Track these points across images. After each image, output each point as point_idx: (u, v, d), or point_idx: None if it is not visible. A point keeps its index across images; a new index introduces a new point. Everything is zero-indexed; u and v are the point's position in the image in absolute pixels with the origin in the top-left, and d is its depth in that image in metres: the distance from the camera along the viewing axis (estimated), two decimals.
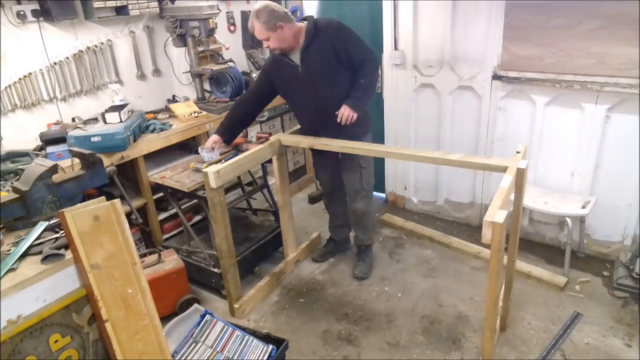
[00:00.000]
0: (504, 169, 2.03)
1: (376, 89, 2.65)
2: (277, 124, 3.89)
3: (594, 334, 2.39)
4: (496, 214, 1.68)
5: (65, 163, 2.38)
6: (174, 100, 3.51)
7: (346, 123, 2.45)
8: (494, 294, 1.85)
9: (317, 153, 2.82)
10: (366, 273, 2.97)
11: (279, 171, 2.88)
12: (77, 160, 2.19)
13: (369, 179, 2.83)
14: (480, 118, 3.16)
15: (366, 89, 2.51)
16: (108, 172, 2.08)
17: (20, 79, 2.72)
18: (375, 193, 4.08)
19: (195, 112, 3.21)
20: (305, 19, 2.55)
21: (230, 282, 2.60)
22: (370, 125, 2.76)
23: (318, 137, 2.65)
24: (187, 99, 3.49)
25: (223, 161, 2.76)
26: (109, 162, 2.58)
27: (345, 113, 2.44)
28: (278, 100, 3.77)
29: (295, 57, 2.53)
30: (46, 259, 1.41)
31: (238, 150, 2.90)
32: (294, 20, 2.46)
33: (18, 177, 2.30)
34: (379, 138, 3.70)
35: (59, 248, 1.45)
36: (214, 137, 2.70)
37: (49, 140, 2.69)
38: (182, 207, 2.95)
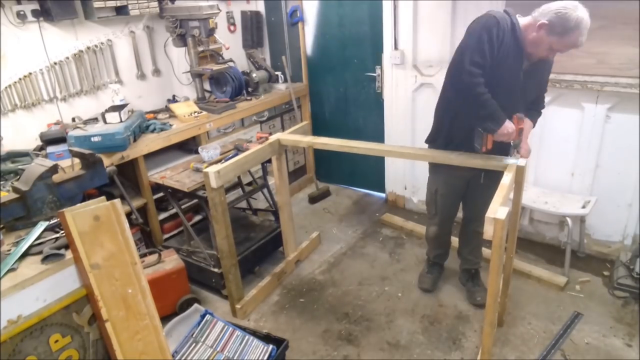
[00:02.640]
0: (504, 168, 2.03)
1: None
2: (277, 123, 3.89)
3: (594, 334, 2.39)
4: (497, 211, 1.69)
5: (65, 163, 2.38)
6: (174, 100, 3.51)
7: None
8: (494, 290, 1.86)
9: (444, 171, 2.44)
10: (485, 297, 2.56)
11: (278, 171, 2.88)
12: (77, 160, 2.20)
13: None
14: None
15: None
16: (108, 172, 2.08)
17: (20, 79, 2.72)
18: (375, 193, 4.10)
19: (195, 112, 3.21)
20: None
21: (231, 283, 2.60)
22: (432, 135, 2.50)
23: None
24: (187, 99, 3.49)
25: (223, 161, 2.77)
26: (109, 162, 2.58)
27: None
28: (278, 100, 3.79)
29: (524, 58, 2.13)
30: (46, 259, 1.41)
31: (238, 150, 2.90)
32: None
33: (18, 177, 2.30)
34: (379, 137, 3.71)
35: (59, 248, 1.45)
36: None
37: (49, 140, 2.69)
38: (182, 207, 2.95)
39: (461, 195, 2.58)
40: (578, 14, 1.98)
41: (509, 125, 2.08)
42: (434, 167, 2.55)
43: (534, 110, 2.33)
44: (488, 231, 1.71)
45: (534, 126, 2.34)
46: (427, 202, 2.71)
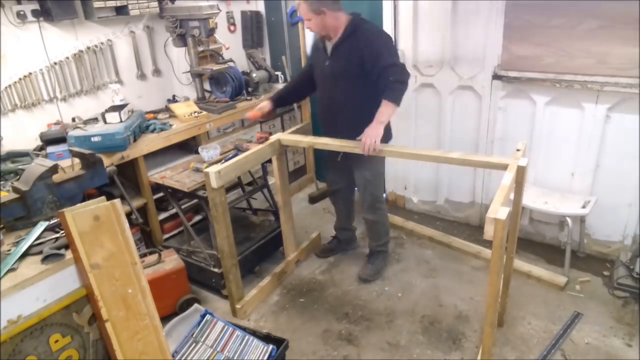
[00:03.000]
0: (504, 167, 2.03)
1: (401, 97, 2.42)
2: (277, 123, 3.89)
3: (594, 334, 2.39)
4: (498, 211, 1.69)
5: (65, 163, 2.38)
6: (174, 100, 3.51)
7: (368, 152, 2.35)
8: (495, 290, 1.86)
9: (321, 128, 2.83)
10: (371, 276, 2.93)
11: (279, 171, 2.88)
12: (77, 160, 2.20)
13: (376, 190, 2.80)
14: (481, 118, 3.16)
15: (396, 87, 2.37)
16: (108, 172, 2.08)
17: (20, 79, 2.72)
18: None
19: (195, 112, 3.21)
20: (352, 14, 2.52)
21: (232, 283, 2.60)
22: (390, 136, 2.73)
23: (328, 133, 2.67)
24: (187, 99, 3.49)
25: (223, 161, 2.77)
26: (109, 162, 2.58)
27: (368, 139, 2.33)
28: None
29: (329, 48, 2.55)
30: (46, 259, 1.41)
31: (238, 150, 2.90)
32: (341, 10, 2.45)
33: (18, 177, 2.30)
34: None
35: (59, 248, 1.45)
36: (264, 102, 2.80)
37: (49, 140, 2.69)
38: (182, 207, 2.95)
39: (340, 171, 2.89)
40: None
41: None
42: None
43: (382, 91, 2.38)
44: (488, 231, 1.71)
45: (393, 101, 2.35)
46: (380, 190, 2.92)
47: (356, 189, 2.88)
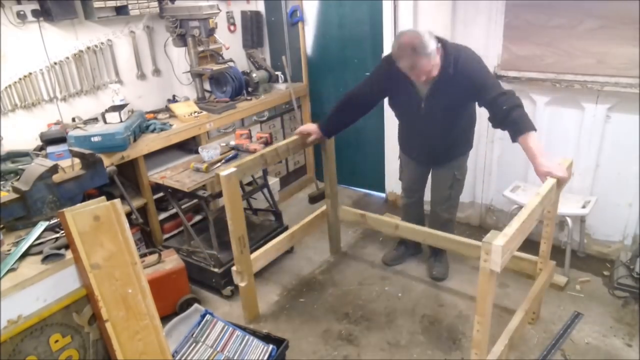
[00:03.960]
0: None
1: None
2: (277, 123, 3.89)
3: (594, 334, 2.39)
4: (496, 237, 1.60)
5: (65, 163, 2.38)
6: (174, 100, 3.51)
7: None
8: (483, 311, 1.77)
9: (407, 152, 2.77)
10: (444, 274, 2.88)
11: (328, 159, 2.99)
12: (77, 160, 2.20)
13: (461, 190, 2.78)
14: (481, 118, 3.15)
15: (517, 115, 2.11)
16: (108, 172, 2.08)
17: (20, 79, 2.72)
18: (375, 192, 4.10)
19: (195, 112, 3.21)
20: (441, 41, 2.21)
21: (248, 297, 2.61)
22: (471, 143, 2.70)
23: (418, 159, 2.72)
24: (187, 99, 3.49)
25: (223, 161, 2.77)
26: (109, 162, 2.58)
27: (554, 173, 2.02)
28: (278, 100, 3.79)
29: (421, 87, 2.32)
30: (46, 259, 1.41)
31: (238, 150, 2.90)
32: (438, 53, 2.17)
33: (18, 177, 2.30)
34: (379, 138, 3.71)
35: (59, 248, 1.45)
36: (312, 127, 2.62)
37: (49, 140, 2.69)
38: (182, 207, 2.95)
39: (420, 173, 2.82)
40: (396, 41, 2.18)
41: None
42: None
43: (507, 124, 2.17)
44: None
45: (529, 130, 2.08)
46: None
47: (433, 187, 2.78)
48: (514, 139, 2.13)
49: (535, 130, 2.08)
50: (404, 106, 2.52)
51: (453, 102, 2.32)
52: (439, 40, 2.19)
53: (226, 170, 2.26)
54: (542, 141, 2.15)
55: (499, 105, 2.14)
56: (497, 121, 2.19)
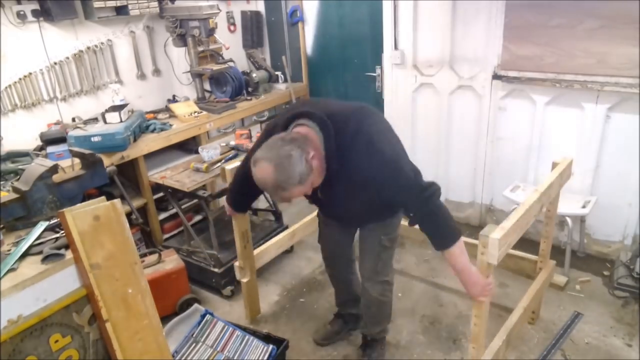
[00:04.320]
0: None
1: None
2: None
3: (594, 334, 2.39)
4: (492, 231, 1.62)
5: (65, 163, 2.38)
6: (174, 100, 3.51)
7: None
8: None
9: (322, 210, 2.20)
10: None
11: None
12: (77, 160, 2.20)
13: (390, 259, 2.16)
14: (481, 118, 3.15)
15: (434, 225, 1.76)
16: (108, 172, 2.08)
17: (20, 79, 2.72)
18: None
19: (195, 112, 3.21)
20: (324, 128, 1.67)
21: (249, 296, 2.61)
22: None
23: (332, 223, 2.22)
24: (187, 99, 3.49)
25: (223, 161, 2.77)
26: (109, 162, 2.58)
27: (479, 293, 1.76)
28: (278, 100, 3.79)
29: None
30: (46, 259, 1.41)
31: (239, 150, 2.90)
32: (320, 145, 1.66)
33: (18, 177, 2.30)
34: None
35: (59, 248, 1.45)
36: (227, 206, 2.29)
37: (49, 140, 2.69)
38: (182, 207, 2.95)
39: (339, 235, 2.27)
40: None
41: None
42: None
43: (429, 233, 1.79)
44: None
45: (451, 244, 1.75)
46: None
47: (358, 256, 2.20)
48: (437, 249, 1.78)
49: (455, 244, 1.71)
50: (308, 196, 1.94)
51: (350, 192, 1.80)
52: (323, 126, 1.66)
53: (232, 164, 2.30)
54: (467, 261, 1.75)
55: (408, 211, 1.78)
56: (412, 224, 1.77)
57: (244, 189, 2.13)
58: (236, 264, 2.53)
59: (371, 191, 1.75)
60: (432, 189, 1.73)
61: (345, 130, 1.66)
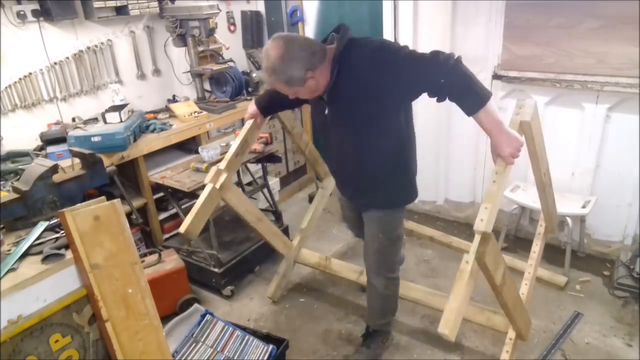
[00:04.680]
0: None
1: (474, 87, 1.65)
2: (277, 123, 3.89)
3: (594, 334, 2.39)
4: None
5: (65, 163, 2.38)
6: (174, 100, 3.51)
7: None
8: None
9: (335, 181, 2.24)
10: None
11: None
12: (77, 160, 2.20)
13: (393, 255, 2.14)
14: None
15: (459, 87, 1.66)
16: (108, 172, 2.08)
17: (20, 79, 2.72)
18: None
19: (195, 112, 3.21)
20: (338, 31, 1.78)
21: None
22: (408, 195, 2.05)
23: (344, 196, 2.22)
24: (187, 99, 3.49)
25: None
26: (109, 162, 2.58)
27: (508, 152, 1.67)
28: None
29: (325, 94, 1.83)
30: (46, 258, 1.41)
31: None
32: (326, 58, 1.73)
33: (18, 177, 2.30)
34: None
35: (59, 248, 1.45)
36: (252, 108, 2.27)
37: (49, 140, 2.69)
38: (183, 207, 2.95)
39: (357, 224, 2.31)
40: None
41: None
42: None
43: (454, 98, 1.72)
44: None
45: (480, 105, 1.64)
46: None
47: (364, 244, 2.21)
48: (468, 115, 1.70)
49: (483, 105, 1.63)
50: (314, 112, 2.08)
51: (354, 109, 1.80)
52: (338, 30, 1.77)
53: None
54: (497, 117, 1.67)
55: (434, 89, 1.69)
56: (442, 99, 1.72)
57: (273, 98, 2.21)
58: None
59: (380, 98, 1.73)
60: (454, 56, 1.64)
61: (348, 47, 1.73)
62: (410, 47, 1.64)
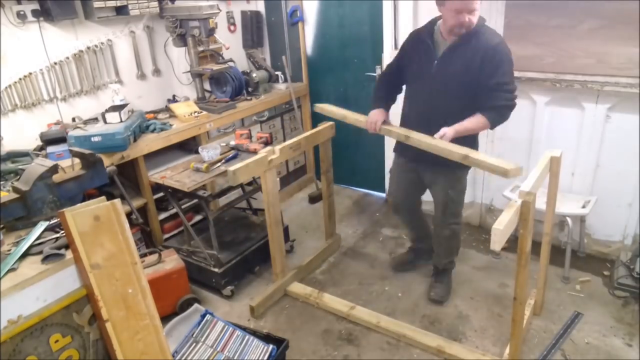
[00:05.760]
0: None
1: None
2: (277, 123, 3.89)
3: (594, 334, 2.39)
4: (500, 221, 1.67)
5: (65, 163, 2.38)
6: (174, 100, 3.51)
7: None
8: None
9: (398, 159, 2.66)
10: (444, 296, 2.67)
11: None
12: (77, 160, 2.20)
13: (459, 207, 2.58)
14: None
15: (502, 113, 2.23)
16: (108, 172, 2.08)
17: (20, 79, 2.72)
18: (375, 192, 4.10)
19: (195, 111, 3.21)
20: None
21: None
22: (475, 146, 2.43)
23: (404, 153, 2.55)
24: (187, 99, 3.49)
25: (224, 161, 2.77)
26: (109, 162, 2.58)
27: (446, 133, 2.18)
28: (278, 100, 3.79)
29: (439, 48, 2.29)
30: (46, 259, 1.41)
31: (239, 150, 2.90)
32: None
33: (18, 177, 2.29)
34: (379, 138, 3.70)
35: (59, 248, 1.45)
36: (378, 114, 2.47)
37: (49, 140, 2.69)
38: (183, 207, 2.95)
39: (413, 182, 2.65)
40: None
41: (371, 113, 2.48)
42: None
43: (484, 107, 2.23)
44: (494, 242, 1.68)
45: (490, 121, 2.23)
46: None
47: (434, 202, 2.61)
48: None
49: (490, 125, 2.25)
50: (417, 67, 2.38)
51: (465, 69, 2.21)
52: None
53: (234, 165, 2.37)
54: (474, 131, 2.29)
55: (497, 96, 2.19)
56: (483, 105, 2.23)
57: (387, 86, 2.57)
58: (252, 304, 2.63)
59: (485, 72, 2.17)
60: (514, 99, 2.22)
61: (491, 31, 2.25)
62: None
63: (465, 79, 2.23)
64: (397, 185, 2.75)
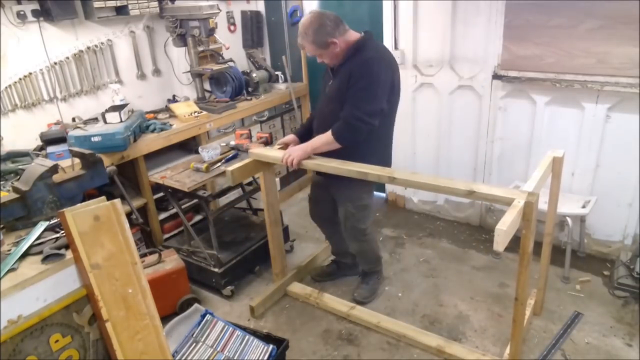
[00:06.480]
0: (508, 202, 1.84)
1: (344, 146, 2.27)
2: (277, 123, 3.89)
3: (594, 334, 2.39)
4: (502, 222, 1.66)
5: (65, 163, 2.38)
6: (174, 100, 3.51)
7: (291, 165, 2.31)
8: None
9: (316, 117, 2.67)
10: (366, 297, 2.73)
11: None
12: (77, 160, 2.20)
13: (359, 223, 2.53)
14: (481, 118, 3.16)
15: (324, 144, 2.28)
16: (108, 172, 2.08)
17: (20, 79, 2.72)
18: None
19: (195, 111, 3.21)
20: (365, 33, 2.31)
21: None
22: (380, 155, 2.45)
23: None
24: (187, 99, 3.49)
25: (224, 161, 2.78)
26: (109, 162, 2.58)
27: (286, 155, 2.31)
28: (278, 100, 3.79)
29: (336, 72, 2.35)
30: (46, 258, 1.41)
31: (239, 150, 2.90)
32: (348, 31, 2.25)
33: (18, 177, 2.30)
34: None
35: (59, 248, 1.45)
36: (290, 137, 2.59)
37: (49, 140, 2.69)
38: (183, 207, 2.95)
39: (325, 195, 2.67)
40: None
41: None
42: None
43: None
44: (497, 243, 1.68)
45: (335, 137, 2.24)
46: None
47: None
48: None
49: (336, 140, 2.25)
50: (322, 89, 2.54)
51: (339, 84, 2.25)
52: (365, 32, 2.29)
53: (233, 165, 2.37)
54: (322, 148, 2.31)
55: (347, 112, 2.22)
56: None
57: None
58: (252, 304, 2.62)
59: (346, 86, 2.21)
60: (368, 114, 2.19)
61: (367, 48, 2.24)
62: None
63: (339, 94, 2.27)
64: (312, 196, 2.82)
